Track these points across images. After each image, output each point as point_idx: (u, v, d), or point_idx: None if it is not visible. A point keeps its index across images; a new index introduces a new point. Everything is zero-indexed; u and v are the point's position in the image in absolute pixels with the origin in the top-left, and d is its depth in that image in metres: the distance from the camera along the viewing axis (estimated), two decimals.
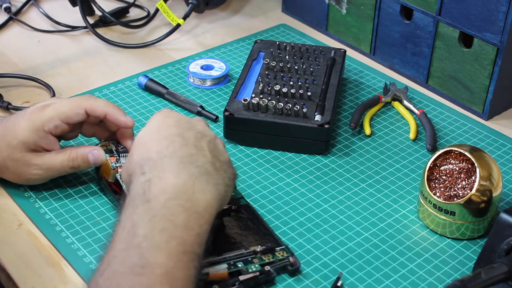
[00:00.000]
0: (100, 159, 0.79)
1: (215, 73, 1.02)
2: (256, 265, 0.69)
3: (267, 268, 0.69)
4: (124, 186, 0.75)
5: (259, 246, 0.71)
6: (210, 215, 0.63)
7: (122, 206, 0.63)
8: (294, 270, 0.71)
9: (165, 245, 0.58)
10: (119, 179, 0.78)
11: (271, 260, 0.71)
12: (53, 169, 0.78)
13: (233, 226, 0.74)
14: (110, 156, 0.80)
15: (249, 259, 0.70)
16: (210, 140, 0.69)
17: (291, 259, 0.71)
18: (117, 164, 0.79)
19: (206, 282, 0.66)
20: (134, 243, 0.57)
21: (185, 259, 0.58)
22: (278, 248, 0.72)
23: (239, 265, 0.69)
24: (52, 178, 0.80)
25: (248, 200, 0.80)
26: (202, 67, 1.03)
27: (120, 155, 0.80)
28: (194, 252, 0.59)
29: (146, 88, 1.00)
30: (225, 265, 0.68)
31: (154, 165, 0.63)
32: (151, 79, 1.01)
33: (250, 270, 0.68)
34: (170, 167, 0.63)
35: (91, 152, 0.78)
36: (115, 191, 0.78)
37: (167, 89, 0.99)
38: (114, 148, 0.81)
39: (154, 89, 1.00)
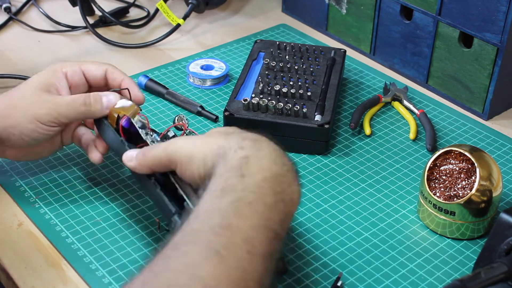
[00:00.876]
0: (114, 100, 0.76)
1: (215, 73, 1.02)
2: None
3: None
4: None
5: None
6: (293, 210, 0.61)
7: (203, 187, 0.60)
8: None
9: (250, 216, 0.56)
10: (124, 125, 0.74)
11: None
12: (63, 104, 0.75)
13: None
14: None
15: None
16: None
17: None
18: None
19: None
20: (219, 206, 0.56)
21: (268, 236, 0.56)
22: None
23: None
24: (63, 120, 0.75)
25: None
26: (202, 67, 1.03)
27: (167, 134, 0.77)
28: (276, 232, 0.57)
29: (146, 88, 1.00)
30: None
31: (253, 145, 0.61)
32: (151, 79, 1.01)
33: None
34: (268, 150, 0.61)
35: (105, 94, 0.76)
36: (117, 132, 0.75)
37: (167, 89, 0.99)
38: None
39: (154, 89, 1.00)
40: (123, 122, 0.73)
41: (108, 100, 0.76)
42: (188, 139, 0.66)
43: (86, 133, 0.80)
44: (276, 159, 0.61)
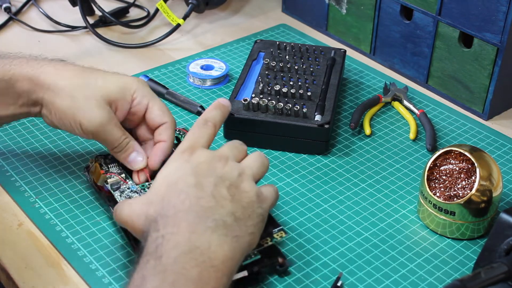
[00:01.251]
0: (138, 163, 0.77)
1: (215, 73, 1.02)
2: (255, 252, 0.69)
3: (255, 269, 0.69)
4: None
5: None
6: (229, 268, 0.61)
7: (134, 265, 0.61)
8: (283, 271, 0.71)
9: None
10: (106, 185, 0.77)
11: (269, 243, 0.70)
12: (108, 134, 0.75)
13: None
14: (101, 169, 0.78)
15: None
16: (232, 184, 0.65)
17: (279, 259, 0.71)
18: (106, 168, 0.78)
19: None
20: None
21: None
22: (275, 230, 0.71)
23: None
24: (94, 139, 0.76)
25: None
26: (202, 67, 1.03)
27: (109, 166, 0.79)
28: None
29: None
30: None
31: (168, 222, 0.61)
32: (151, 79, 1.01)
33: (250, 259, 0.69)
34: (186, 222, 0.61)
35: (138, 151, 0.77)
36: (100, 191, 0.78)
37: (167, 89, 0.99)
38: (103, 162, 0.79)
39: (154, 89, 1.00)
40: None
41: (134, 158, 0.77)
42: (128, 205, 0.66)
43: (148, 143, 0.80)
44: (196, 227, 0.61)
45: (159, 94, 0.99)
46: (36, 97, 0.75)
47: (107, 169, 0.78)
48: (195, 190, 0.63)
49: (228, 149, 0.69)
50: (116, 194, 0.75)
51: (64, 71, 0.76)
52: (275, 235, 0.71)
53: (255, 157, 0.70)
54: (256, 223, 0.65)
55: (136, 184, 0.77)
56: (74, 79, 0.75)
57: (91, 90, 0.74)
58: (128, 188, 0.76)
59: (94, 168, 0.77)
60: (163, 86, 1.00)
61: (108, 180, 0.77)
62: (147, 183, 0.77)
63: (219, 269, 0.60)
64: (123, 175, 0.77)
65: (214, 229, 0.61)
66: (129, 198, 0.74)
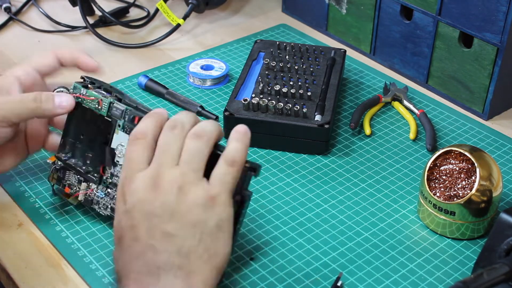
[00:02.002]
0: (67, 101, 0.74)
1: (215, 73, 1.02)
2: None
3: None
4: None
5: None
6: None
7: None
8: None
9: None
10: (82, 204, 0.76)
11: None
12: (12, 102, 0.72)
13: None
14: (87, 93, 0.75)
15: None
16: (172, 213, 0.60)
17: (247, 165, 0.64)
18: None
19: None
20: None
21: None
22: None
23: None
24: (11, 122, 0.73)
25: None
26: (202, 67, 1.03)
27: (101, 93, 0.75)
28: None
29: (146, 88, 1.00)
30: None
31: (140, 279, 0.60)
32: (151, 79, 1.01)
33: None
34: (136, 283, 0.59)
35: (59, 94, 0.74)
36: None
37: (167, 89, 0.99)
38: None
39: (154, 89, 1.00)
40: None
41: (61, 101, 0.73)
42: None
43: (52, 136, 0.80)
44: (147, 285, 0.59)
45: (159, 94, 0.99)
46: None
47: (65, 183, 0.76)
48: (134, 246, 0.60)
49: (165, 148, 0.62)
50: (96, 208, 0.75)
51: None
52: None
53: (194, 132, 0.63)
54: (213, 239, 0.60)
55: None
56: None
57: None
58: (97, 197, 0.75)
59: (58, 191, 0.76)
60: (163, 86, 1.00)
61: (79, 199, 0.76)
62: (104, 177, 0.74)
63: None
64: (84, 184, 0.75)
65: (159, 275, 0.59)
66: (107, 208, 0.73)
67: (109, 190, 0.74)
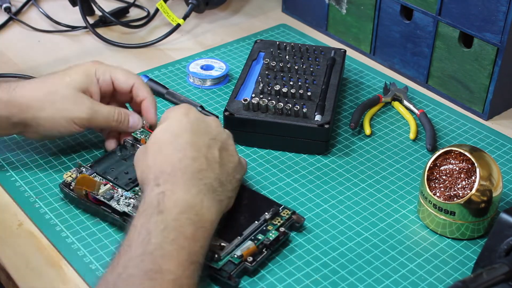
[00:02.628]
0: (137, 124, 0.84)
1: (215, 73, 1.02)
2: (273, 231, 0.74)
3: (282, 229, 0.74)
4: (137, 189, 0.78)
5: (267, 214, 0.75)
6: (213, 228, 0.68)
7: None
8: (300, 226, 0.77)
9: (176, 255, 0.62)
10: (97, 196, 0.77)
11: (281, 222, 0.75)
12: (101, 113, 0.81)
13: (235, 205, 0.76)
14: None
15: (264, 228, 0.74)
16: (222, 146, 0.73)
17: (294, 217, 0.76)
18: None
19: (241, 261, 0.71)
20: (148, 250, 0.62)
21: (192, 268, 0.63)
22: (280, 209, 0.77)
23: (260, 238, 0.73)
24: (93, 126, 0.83)
25: None
26: (202, 67, 1.03)
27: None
28: (199, 262, 0.64)
29: None
30: (250, 242, 0.72)
31: (168, 179, 0.68)
32: (151, 79, 1.01)
33: (270, 238, 0.73)
34: (183, 182, 0.67)
35: (131, 115, 0.84)
36: (99, 204, 0.77)
37: (167, 89, 0.99)
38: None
39: (154, 89, 1.00)
40: (91, 197, 0.77)
41: (133, 121, 0.84)
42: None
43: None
44: (191, 188, 0.67)
45: (159, 94, 0.99)
46: (17, 120, 0.79)
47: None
48: (191, 149, 0.70)
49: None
50: (114, 204, 0.75)
51: (34, 87, 0.81)
52: (281, 214, 0.77)
53: None
54: (235, 188, 0.74)
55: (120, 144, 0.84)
56: (46, 89, 0.80)
57: (64, 89, 0.80)
58: (122, 196, 0.77)
59: (82, 179, 0.76)
60: (163, 86, 1.00)
61: (100, 191, 0.77)
62: (137, 188, 0.78)
63: (207, 229, 0.67)
64: (108, 186, 0.78)
65: (205, 192, 0.68)
66: (129, 205, 0.76)
67: (136, 196, 0.77)
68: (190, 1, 1.15)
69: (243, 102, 0.88)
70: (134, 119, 0.84)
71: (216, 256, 0.70)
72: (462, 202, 0.74)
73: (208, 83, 1.02)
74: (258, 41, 1.04)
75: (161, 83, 1.01)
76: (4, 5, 1.21)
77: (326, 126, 0.86)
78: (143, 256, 0.61)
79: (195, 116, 0.74)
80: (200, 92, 1.01)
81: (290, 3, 1.23)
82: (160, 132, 0.72)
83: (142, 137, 0.84)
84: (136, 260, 0.61)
